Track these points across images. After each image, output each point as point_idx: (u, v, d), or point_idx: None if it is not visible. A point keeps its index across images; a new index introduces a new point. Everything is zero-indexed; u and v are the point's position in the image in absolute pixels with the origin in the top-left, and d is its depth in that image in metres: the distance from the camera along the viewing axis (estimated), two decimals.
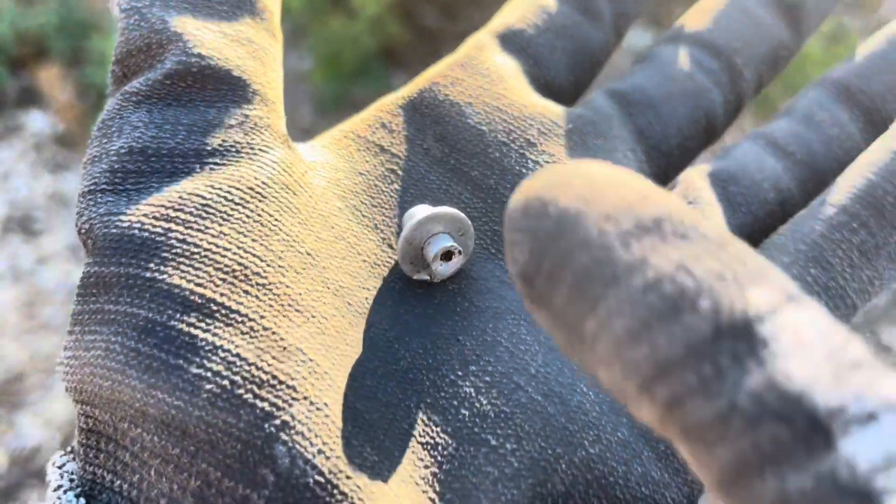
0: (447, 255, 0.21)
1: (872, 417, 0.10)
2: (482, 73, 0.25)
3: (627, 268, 0.11)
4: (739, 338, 0.10)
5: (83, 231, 0.18)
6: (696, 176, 0.24)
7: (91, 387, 0.17)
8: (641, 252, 0.11)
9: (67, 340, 0.17)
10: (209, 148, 0.19)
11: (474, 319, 0.20)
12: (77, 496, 0.17)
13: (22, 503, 0.95)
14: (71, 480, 0.17)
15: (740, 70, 0.27)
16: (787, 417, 0.10)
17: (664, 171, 0.26)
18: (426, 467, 0.18)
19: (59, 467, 0.17)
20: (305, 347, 0.17)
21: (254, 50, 0.21)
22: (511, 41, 0.26)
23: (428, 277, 0.21)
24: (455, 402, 0.19)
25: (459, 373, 0.19)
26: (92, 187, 0.18)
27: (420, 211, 0.21)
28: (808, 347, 0.10)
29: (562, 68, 0.27)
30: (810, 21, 0.28)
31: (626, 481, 0.18)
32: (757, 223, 0.24)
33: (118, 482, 0.17)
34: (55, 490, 0.17)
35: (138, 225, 0.17)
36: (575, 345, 0.12)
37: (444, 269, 0.21)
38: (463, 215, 0.21)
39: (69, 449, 0.18)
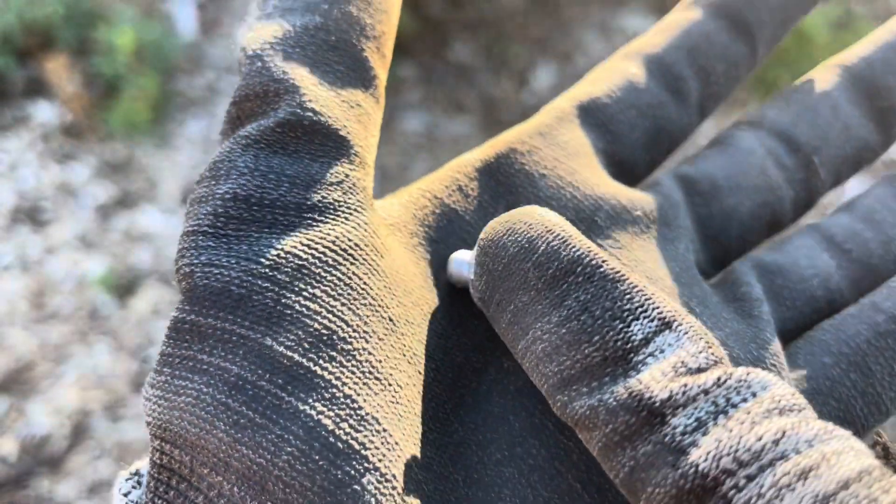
0: None
1: (692, 400, 0.15)
2: (559, 146, 0.25)
3: (550, 306, 0.17)
4: (618, 363, 0.16)
5: (182, 273, 0.19)
6: (744, 270, 0.25)
7: (177, 429, 0.17)
8: (560, 292, 0.17)
9: (155, 379, 0.18)
10: (309, 203, 0.20)
11: (525, 401, 0.21)
12: None
13: (33, 490, 0.96)
14: None
15: (817, 169, 0.26)
16: (633, 409, 0.15)
17: (720, 260, 0.26)
18: None
19: (125, 494, 0.18)
20: (380, 417, 0.18)
21: (360, 114, 0.21)
22: (593, 115, 0.26)
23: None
24: (499, 482, 0.19)
25: (506, 453, 0.20)
26: (195, 228, 0.19)
27: (463, 254, 0.22)
28: (661, 364, 0.16)
29: (639, 147, 0.26)
30: None
31: None
32: (802, 318, 0.24)
33: None
34: None
35: (237, 281, 0.18)
36: (513, 351, 0.18)
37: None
38: None
39: (133, 472, 0.19)
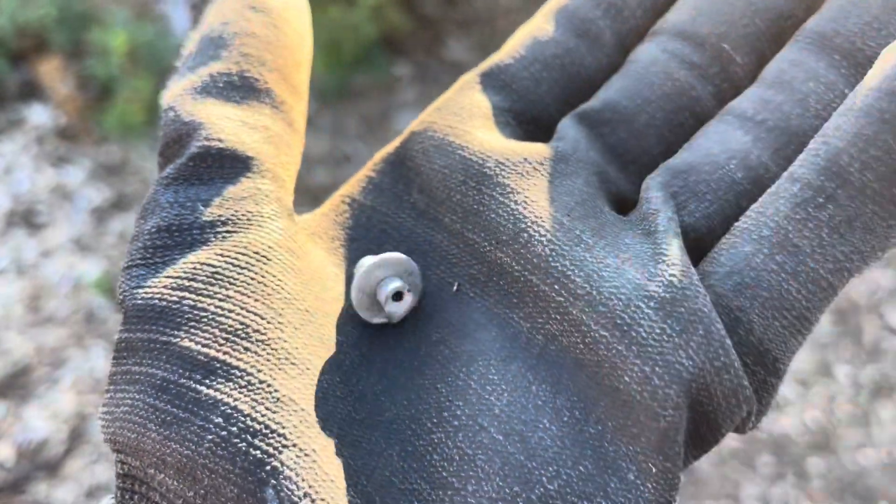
0: (398, 296, 0.22)
1: None
2: (453, 113, 0.25)
3: None
4: None
5: (119, 302, 0.21)
6: (648, 184, 0.23)
7: (122, 438, 0.19)
8: None
9: (105, 398, 0.20)
10: (223, 218, 0.21)
11: (451, 366, 0.21)
12: None
13: (30, 495, 0.95)
14: None
15: (731, 55, 0.24)
16: None
17: None
18: None
19: None
20: (298, 398, 0.19)
21: (269, 136, 0.23)
22: (495, 77, 0.26)
23: (386, 320, 0.22)
24: (430, 449, 0.20)
25: (435, 420, 0.20)
26: (129, 263, 0.21)
27: (366, 260, 0.23)
28: None
29: (551, 101, 0.25)
30: None
31: None
32: (728, 208, 0.22)
33: None
34: None
35: (158, 295, 0.20)
36: None
37: (397, 309, 0.22)
38: (405, 257, 0.22)
39: (114, 495, 0.20)
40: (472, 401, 0.20)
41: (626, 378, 0.19)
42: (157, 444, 0.18)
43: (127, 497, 0.19)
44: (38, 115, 1.37)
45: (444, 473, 0.19)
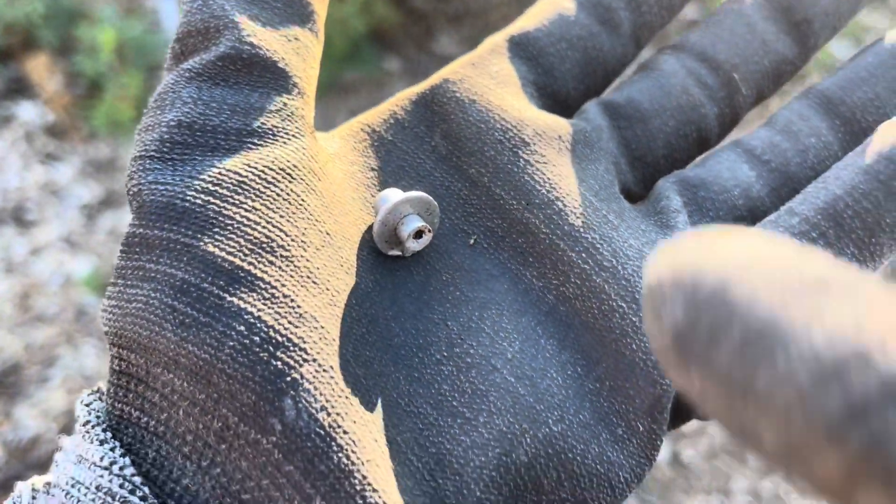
0: (418, 234, 0.23)
1: None
2: (490, 75, 0.26)
3: (803, 322, 0.11)
4: None
5: (132, 193, 0.20)
6: (665, 185, 0.26)
7: (130, 334, 0.19)
8: (814, 306, 0.11)
9: (110, 291, 0.20)
10: (249, 129, 0.21)
11: (462, 307, 0.23)
12: (104, 430, 0.19)
13: None
14: (98, 417, 0.19)
15: (738, 86, 0.27)
16: None
17: (649, 179, 0.27)
18: (409, 432, 0.20)
19: (87, 405, 0.20)
20: (318, 315, 0.19)
21: (298, 47, 0.23)
22: (524, 48, 0.27)
23: (400, 253, 0.23)
24: (439, 379, 0.21)
25: (445, 353, 0.21)
26: (143, 153, 0.21)
27: (393, 195, 0.23)
28: None
29: (570, 79, 0.27)
30: (818, 37, 0.28)
31: (583, 458, 0.21)
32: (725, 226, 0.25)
33: (145, 419, 0.19)
34: (84, 425, 0.19)
35: (181, 196, 0.20)
36: (737, 401, 0.11)
37: (415, 246, 0.23)
38: (430, 198, 0.23)
39: (95, 389, 0.21)
40: (485, 343, 0.22)
41: (634, 346, 0.21)
42: (171, 343, 0.18)
43: (121, 394, 0.19)
44: (27, 113, 1.36)
45: (455, 403, 0.21)
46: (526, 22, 0.28)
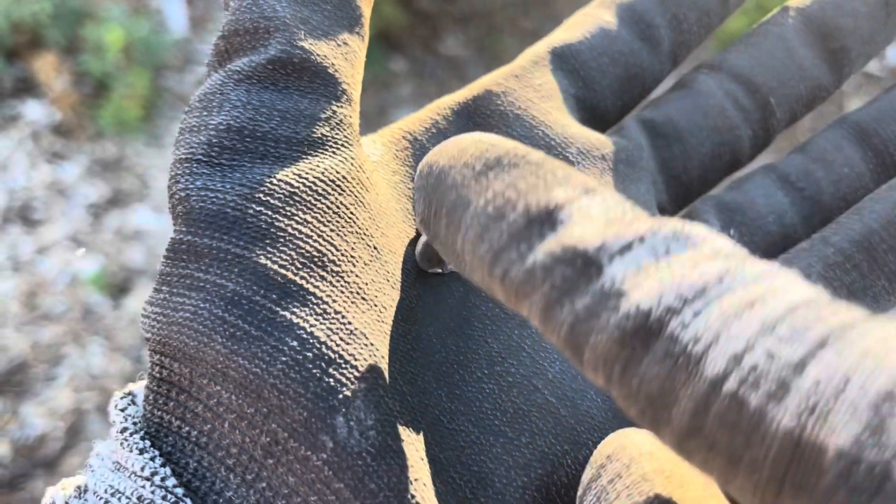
0: None
1: (627, 247, 0.14)
2: (533, 88, 0.26)
3: (476, 194, 0.16)
4: (544, 222, 0.15)
5: (178, 197, 0.20)
6: (704, 208, 0.26)
7: (175, 343, 0.19)
8: (486, 181, 0.16)
9: (154, 297, 0.19)
10: (299, 137, 0.21)
11: (502, 325, 0.23)
12: (142, 438, 0.19)
13: (28, 493, 0.95)
14: (135, 424, 0.19)
15: (773, 109, 0.28)
16: (568, 260, 0.14)
17: (682, 198, 0.28)
18: (451, 450, 0.20)
19: (122, 410, 0.19)
20: (368, 332, 0.19)
21: (347, 52, 0.22)
22: (566, 60, 0.27)
23: (440, 270, 0.23)
24: (480, 397, 0.21)
25: (486, 371, 0.22)
26: (189, 156, 0.20)
27: None
28: (591, 218, 0.14)
29: (610, 94, 0.28)
30: (853, 65, 0.29)
31: None
32: (757, 252, 0.25)
33: (186, 428, 0.19)
34: (121, 432, 0.19)
35: (232, 204, 0.19)
36: (457, 264, 0.17)
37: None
38: None
39: (126, 392, 0.20)
40: (525, 362, 0.22)
41: None
42: (220, 356, 0.18)
43: (161, 402, 0.19)
44: (34, 112, 1.36)
45: (497, 422, 0.21)
46: (568, 34, 0.28)
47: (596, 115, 0.28)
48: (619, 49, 0.28)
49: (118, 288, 1.15)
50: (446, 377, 0.21)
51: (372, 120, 1.37)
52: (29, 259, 1.18)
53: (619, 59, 0.28)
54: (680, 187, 0.27)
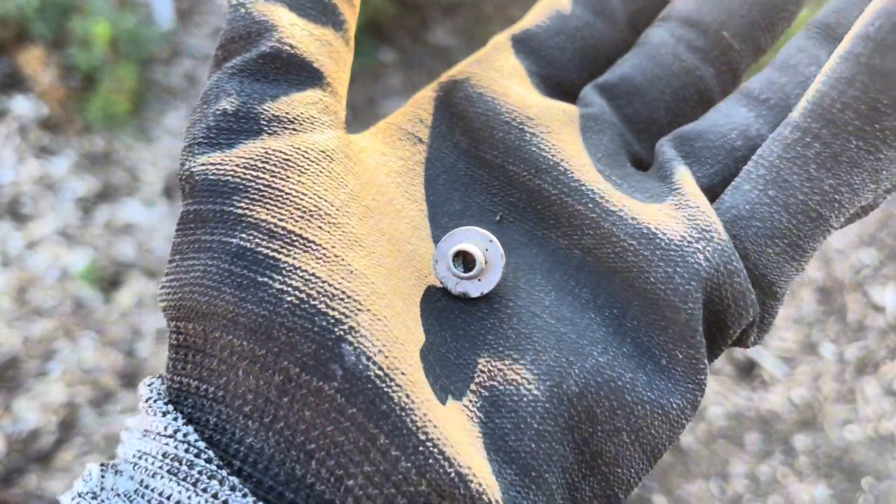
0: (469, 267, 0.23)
1: None
2: (495, 69, 0.28)
3: None
4: None
5: (184, 178, 0.22)
6: (663, 143, 0.26)
7: (188, 303, 0.20)
8: None
9: (168, 268, 0.21)
10: (290, 116, 0.23)
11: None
12: (165, 403, 0.20)
13: (22, 487, 0.95)
14: (158, 393, 0.20)
15: (730, 42, 0.28)
16: None
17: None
18: (460, 381, 0.21)
19: (148, 385, 0.21)
20: (368, 273, 0.21)
21: (331, 51, 0.25)
22: (525, 43, 0.29)
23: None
24: (482, 332, 0.22)
25: (485, 310, 0.23)
26: (191, 142, 0.22)
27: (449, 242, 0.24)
28: None
29: (572, 68, 0.29)
30: None
31: (633, 386, 0.21)
32: (728, 170, 0.25)
33: (204, 386, 0.20)
34: (146, 402, 0.20)
35: (232, 173, 0.21)
36: None
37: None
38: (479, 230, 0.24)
39: (158, 376, 0.22)
40: (522, 296, 0.23)
41: (652, 279, 0.22)
42: (230, 305, 0.19)
43: (179, 367, 0.20)
44: (21, 106, 1.36)
45: (501, 349, 0.22)
46: (526, 21, 0.30)
47: (563, 90, 0.29)
48: (575, 25, 0.29)
49: (109, 282, 1.15)
50: (448, 321, 0.22)
51: (362, 110, 1.37)
52: (18, 254, 1.18)
53: (575, 35, 0.29)
54: (653, 137, 0.28)
